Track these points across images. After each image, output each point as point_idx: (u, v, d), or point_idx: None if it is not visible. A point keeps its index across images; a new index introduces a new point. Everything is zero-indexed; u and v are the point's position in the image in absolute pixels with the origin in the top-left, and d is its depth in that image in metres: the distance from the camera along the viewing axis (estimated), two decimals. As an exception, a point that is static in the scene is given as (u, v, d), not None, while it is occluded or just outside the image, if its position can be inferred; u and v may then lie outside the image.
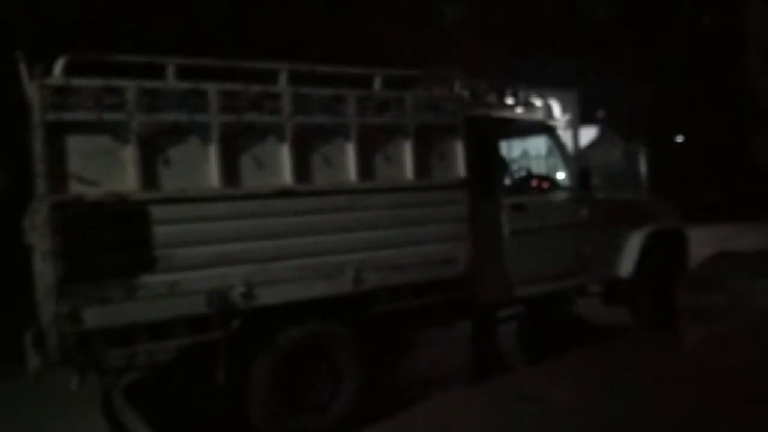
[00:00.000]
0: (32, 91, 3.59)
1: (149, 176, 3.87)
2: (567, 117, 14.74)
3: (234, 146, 4.15)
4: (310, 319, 4.46)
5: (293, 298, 4.27)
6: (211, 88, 4.06)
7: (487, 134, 5.53)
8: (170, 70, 3.97)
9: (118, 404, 4.97)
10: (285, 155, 4.29)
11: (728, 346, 5.77)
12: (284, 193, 4.28)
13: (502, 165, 5.86)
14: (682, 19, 18.49)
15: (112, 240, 3.74)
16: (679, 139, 20.58)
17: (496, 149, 5.66)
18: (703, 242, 9.71)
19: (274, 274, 4.21)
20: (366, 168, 4.60)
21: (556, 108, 6.28)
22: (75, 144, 3.67)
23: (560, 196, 6.12)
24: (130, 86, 3.80)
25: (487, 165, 5.50)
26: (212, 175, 4.06)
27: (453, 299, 5.00)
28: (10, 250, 4.77)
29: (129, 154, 3.81)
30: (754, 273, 8.48)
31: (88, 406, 4.85)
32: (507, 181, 5.98)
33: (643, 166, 16.44)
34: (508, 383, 5.38)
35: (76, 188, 3.67)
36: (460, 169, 5.02)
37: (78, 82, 3.67)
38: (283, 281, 4.24)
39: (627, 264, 6.34)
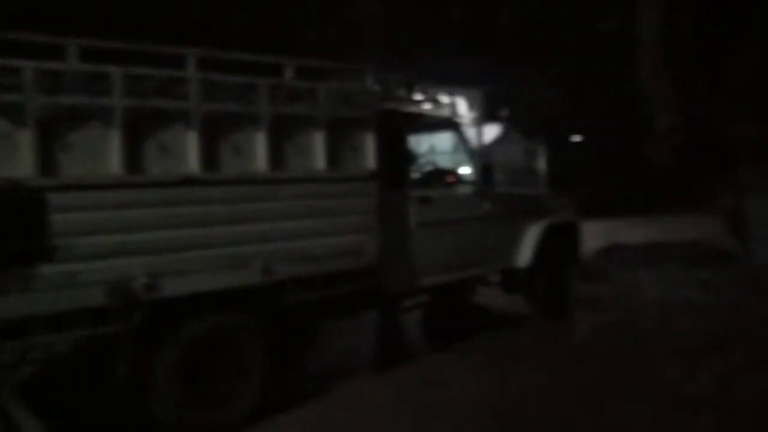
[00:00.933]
0: None
1: (47, 162, 3.69)
2: (472, 114, 15.19)
3: (138, 132, 4.02)
4: (216, 311, 4.40)
5: (199, 289, 4.20)
6: (115, 71, 3.91)
7: (398, 128, 5.64)
8: (71, 51, 3.80)
9: (8, 400, 4.70)
10: (192, 143, 4.20)
11: (615, 334, 6.21)
12: (190, 182, 4.19)
13: (411, 159, 5.99)
14: (579, 24, 19.44)
15: (7, 228, 3.54)
16: (576, 138, 21.66)
17: (405, 143, 5.77)
18: (596, 235, 10.35)
19: (180, 265, 4.12)
20: (277, 158, 4.57)
21: (462, 105, 6.49)
22: (-34, 126, 3.46)
23: (464, 190, 6.34)
24: (28, 67, 3.60)
25: (397, 158, 5.61)
26: (114, 162, 3.92)
27: (361, 289, 5.08)
28: None
29: (26, 137, 3.61)
30: (640, 264, 9.17)
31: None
32: (414, 175, 6.12)
33: (542, 164, 17.20)
34: (414, 371, 5.52)
35: (-34, 173, 3.45)
36: (371, 161, 5.09)
37: (-30, 60, 3.45)
38: (189, 272, 4.16)
39: (525, 254, 6.65)
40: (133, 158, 3.99)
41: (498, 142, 18.19)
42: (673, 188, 17.87)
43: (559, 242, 6.92)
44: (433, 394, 4.95)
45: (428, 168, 6.56)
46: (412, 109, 5.91)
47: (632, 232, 12.94)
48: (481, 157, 9.96)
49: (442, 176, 6.36)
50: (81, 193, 3.81)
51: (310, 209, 4.71)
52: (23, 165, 3.61)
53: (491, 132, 18.35)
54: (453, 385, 5.11)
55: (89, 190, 3.84)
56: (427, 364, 5.74)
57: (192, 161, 4.21)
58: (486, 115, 17.79)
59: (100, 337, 3.93)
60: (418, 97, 5.99)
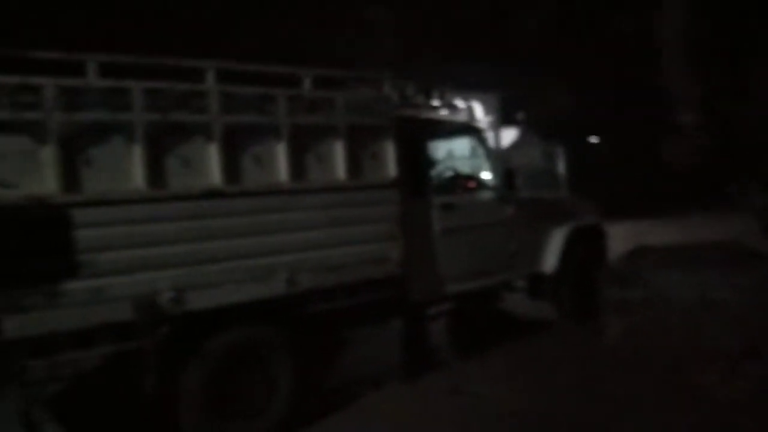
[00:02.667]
0: (-60, 88, 3.37)
1: (70, 178, 3.70)
2: (489, 118, 15.09)
3: (159, 146, 4.01)
4: (242, 323, 4.38)
5: (225, 302, 4.18)
6: (135, 86, 3.92)
7: (417, 135, 5.60)
8: (91, 67, 3.81)
9: (39, 417, 4.72)
10: (213, 155, 4.19)
11: (647, 338, 6.08)
12: (213, 194, 4.19)
13: (431, 165, 5.95)
14: (597, 24, 19.30)
15: (33, 245, 3.56)
16: (594, 140, 21.47)
17: (425, 150, 5.74)
18: (620, 238, 10.19)
19: (204, 278, 4.11)
20: (297, 168, 4.55)
21: (478, 109, 6.44)
22: (-10, 144, 3.47)
23: (486, 195, 6.27)
24: (48, 84, 3.62)
25: (417, 165, 5.57)
26: (137, 176, 3.92)
27: (385, 298, 5.03)
28: None
29: (48, 154, 3.63)
30: (666, 266, 9.00)
31: (8, 420, 4.58)
32: (435, 181, 6.07)
33: (562, 166, 17.06)
34: (442, 379, 5.46)
35: (-8, 191, 3.46)
36: (391, 169, 5.06)
37: (-8, 78, 3.47)
38: (214, 285, 4.15)
39: (550, 259, 6.57)
40: (155, 172, 3.99)
41: (516, 145, 18.07)
42: (698, 188, 17.62)
43: (585, 246, 6.83)
44: (461, 403, 4.88)
45: (449, 174, 6.51)
46: (431, 115, 5.87)
47: (659, 233, 12.75)
48: (503, 161, 9.89)
49: (463, 182, 6.31)
50: (105, 208, 3.81)
51: (333, 219, 4.69)
52: (47, 182, 3.63)
53: (509, 136, 18.25)
54: (481, 394, 5.04)
55: (113, 205, 3.84)
56: (454, 373, 5.66)
57: (214, 174, 4.20)
58: (503, 119, 17.70)
59: (127, 351, 3.92)
60: (436, 103, 5.95)
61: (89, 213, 3.75)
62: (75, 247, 3.68)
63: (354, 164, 4.84)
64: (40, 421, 4.66)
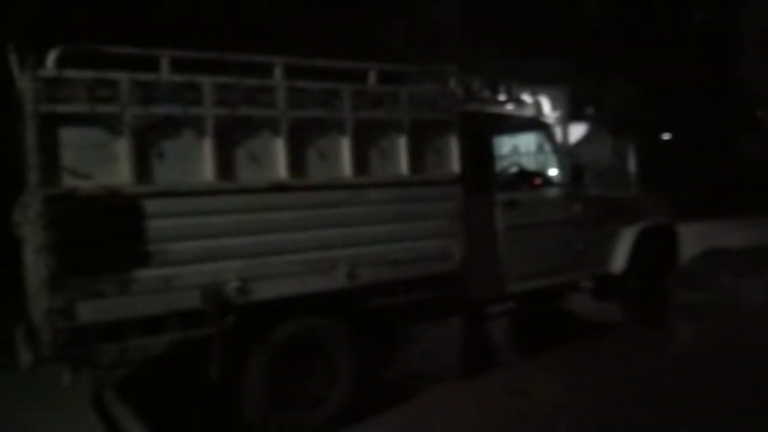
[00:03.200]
0: (24, 83, 3.53)
1: (143, 170, 3.82)
2: (557, 114, 14.76)
3: (228, 140, 4.10)
4: (304, 314, 4.44)
5: (288, 293, 4.25)
6: (206, 81, 4.01)
7: (482, 130, 5.53)
8: (164, 62, 3.93)
9: (109, 399, 4.93)
10: (280, 149, 4.26)
11: (717, 345, 5.83)
12: (279, 188, 4.25)
13: (496, 161, 5.86)
14: (673, 16, 18.57)
15: (106, 234, 3.69)
16: (667, 136, 20.71)
17: (489, 145, 5.66)
18: (692, 239, 9.79)
19: (269, 269, 4.18)
20: (361, 163, 4.57)
21: (546, 104, 6.30)
22: (68, 136, 3.62)
23: (553, 192, 6.14)
24: (124, 78, 3.75)
25: (481, 161, 5.50)
26: (206, 169, 4.02)
27: (445, 295, 5.00)
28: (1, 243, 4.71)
29: (122, 147, 3.76)
30: (741, 269, 8.61)
31: (81, 400, 4.81)
32: (500, 178, 5.99)
33: (632, 163, 16.54)
34: (499, 378, 5.39)
35: (69, 181, 3.61)
36: (455, 164, 5.01)
37: (71, 73, 3.61)
38: (278, 276, 4.21)
39: (619, 260, 6.38)
40: (224, 165, 4.08)
41: (585, 141, 17.62)
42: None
43: (655, 246, 6.60)
44: (517, 403, 4.82)
45: (514, 170, 6.41)
46: (497, 110, 5.77)
47: (730, 235, 12.21)
48: (570, 157, 9.66)
49: (529, 178, 6.20)
50: (175, 199, 3.92)
51: (394, 214, 4.68)
52: (120, 173, 3.76)
53: (577, 131, 17.82)
54: (538, 395, 4.96)
55: (183, 196, 3.95)
56: (513, 373, 5.59)
57: (280, 168, 4.27)
58: (571, 115, 17.29)
59: (194, 339, 4.03)
60: (502, 97, 5.85)
61: (160, 204, 3.87)
62: (146, 237, 3.80)
63: (417, 159, 4.82)
64: (111, 404, 4.88)
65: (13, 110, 3.79)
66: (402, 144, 4.76)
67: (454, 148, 5.03)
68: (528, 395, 4.97)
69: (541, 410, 4.67)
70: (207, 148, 4.02)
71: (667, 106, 18.63)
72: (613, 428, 4.34)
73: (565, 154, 6.87)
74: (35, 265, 3.60)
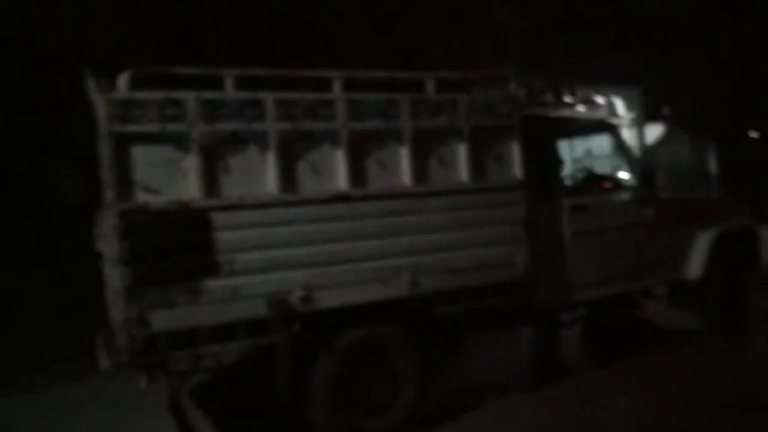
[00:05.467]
0: (99, 105, 3.76)
1: (210, 184, 3.99)
2: (631, 115, 14.32)
3: (290, 153, 4.23)
4: (367, 323, 4.50)
5: (350, 302, 4.32)
6: (268, 98, 4.15)
7: (545, 134, 5.44)
8: (228, 81, 4.09)
9: (185, 404, 5.14)
10: (340, 161, 4.35)
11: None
12: (340, 198, 4.34)
13: (562, 165, 5.75)
14: (757, 6, 17.62)
15: (177, 246, 3.87)
16: (754, 134, 19.64)
17: (554, 149, 5.56)
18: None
19: (332, 278, 4.27)
20: (420, 171, 4.60)
21: (619, 105, 6.12)
22: (140, 154, 3.83)
23: (623, 196, 5.97)
24: (191, 97, 3.93)
25: (546, 165, 5.41)
26: (270, 182, 4.16)
27: (511, 303, 4.94)
28: (83, 256, 5.00)
29: (191, 163, 3.94)
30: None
31: (158, 405, 5.03)
32: (567, 182, 5.87)
33: (713, 165, 15.78)
34: (571, 388, 5.28)
35: (141, 197, 3.82)
36: (517, 170, 4.96)
37: (141, 95, 3.82)
38: (341, 285, 4.29)
39: (695, 265, 6.12)
40: (287, 178, 4.21)
41: (661, 142, 16.95)
42: None
43: (735, 251, 6.30)
44: (588, 413, 4.70)
45: (582, 174, 6.27)
46: (561, 113, 5.67)
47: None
48: (642, 159, 9.34)
49: (597, 182, 6.04)
50: (241, 212, 4.07)
51: (456, 221, 4.68)
52: (189, 188, 3.94)
53: (654, 132, 17.17)
54: (610, 405, 4.83)
55: (248, 209, 4.10)
56: (585, 382, 5.46)
57: (341, 179, 4.35)
58: (647, 115, 16.70)
59: (262, 347, 4.16)
60: (567, 100, 5.74)
61: (227, 216, 4.02)
62: (214, 248, 3.96)
63: (478, 166, 4.81)
64: (186, 409, 5.09)
65: (92, 131, 4.03)
66: (462, 151, 4.76)
67: (516, 153, 4.98)
68: (601, 405, 4.84)
69: (617, 422, 4.54)
70: (270, 162, 4.15)
71: (755, 102, 17.68)
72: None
73: (635, 155, 6.66)
74: (112, 276, 3.80)
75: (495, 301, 4.83)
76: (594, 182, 6.06)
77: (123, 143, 3.77)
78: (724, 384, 5.08)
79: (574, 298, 5.48)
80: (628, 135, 6.62)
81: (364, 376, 4.50)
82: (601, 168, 6.29)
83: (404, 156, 4.54)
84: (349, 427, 4.42)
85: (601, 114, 5.99)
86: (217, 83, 4.08)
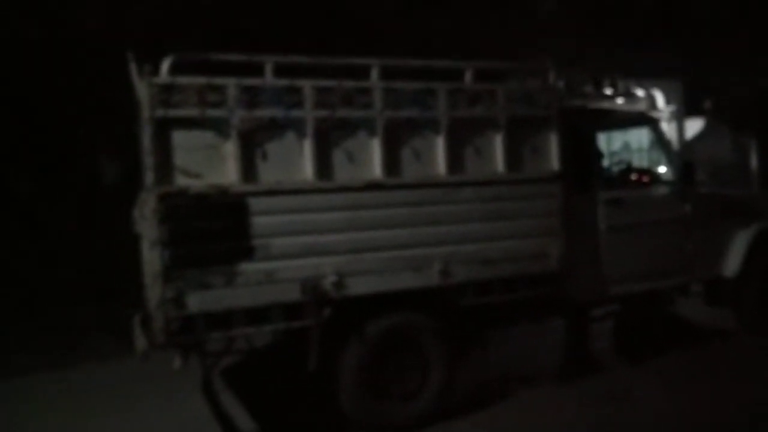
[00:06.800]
0: (141, 90, 3.83)
1: (248, 169, 4.05)
2: (671, 108, 14.01)
3: (327, 141, 4.26)
4: (398, 310, 4.52)
5: (382, 289, 4.35)
6: (306, 85, 4.18)
7: (583, 126, 5.38)
8: (268, 68, 4.12)
9: (217, 385, 5.24)
10: (376, 149, 4.37)
11: None
12: (375, 187, 4.36)
13: (599, 158, 5.68)
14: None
15: (214, 230, 3.94)
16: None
17: (592, 142, 5.50)
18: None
19: (365, 265, 4.30)
20: (456, 161, 4.59)
21: (659, 98, 6.01)
22: (180, 139, 3.90)
23: (661, 190, 5.88)
24: (231, 84, 3.98)
25: (583, 158, 5.36)
26: (307, 169, 4.19)
27: (544, 295, 4.92)
28: (122, 238, 5.12)
29: (230, 148, 4.00)
30: None
31: (190, 385, 5.14)
32: (605, 175, 5.79)
33: (754, 160, 15.38)
34: (598, 383, 5.25)
35: (181, 181, 3.89)
36: (554, 162, 4.92)
37: (182, 80, 3.88)
38: (373, 272, 4.33)
39: (733, 263, 6.01)
40: (323, 165, 4.24)
41: (702, 137, 16.58)
42: None
43: (775, 249, 6.15)
44: (614, 409, 4.66)
45: (620, 167, 6.18)
46: (600, 105, 5.59)
47: None
48: (682, 154, 9.16)
49: (636, 176, 5.95)
50: (278, 197, 4.13)
51: (490, 212, 4.67)
52: (228, 173, 4.00)
53: (694, 126, 16.80)
54: (638, 401, 4.79)
55: (285, 195, 4.15)
56: (614, 377, 5.41)
57: (375, 167, 4.37)
58: (687, 109, 16.33)
59: (294, 331, 4.23)
60: (607, 92, 5.65)
61: (264, 202, 4.08)
62: (251, 232, 4.03)
63: (514, 157, 4.78)
64: (218, 390, 5.19)
65: (133, 115, 4.11)
66: (498, 141, 4.73)
67: (553, 145, 4.93)
68: (628, 401, 4.80)
69: (643, 421, 4.50)
70: (307, 149, 4.19)
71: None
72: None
73: (675, 150, 6.54)
74: (150, 258, 3.88)
75: (527, 293, 4.82)
76: (632, 176, 5.97)
77: (164, 128, 3.84)
78: (758, 386, 4.98)
79: (607, 293, 5.43)
80: (667, 129, 6.48)
81: (393, 363, 4.53)
82: (640, 161, 6.19)
83: (440, 145, 4.54)
84: (376, 413, 4.46)
85: (641, 107, 5.90)
86: (256, 70, 4.11)
